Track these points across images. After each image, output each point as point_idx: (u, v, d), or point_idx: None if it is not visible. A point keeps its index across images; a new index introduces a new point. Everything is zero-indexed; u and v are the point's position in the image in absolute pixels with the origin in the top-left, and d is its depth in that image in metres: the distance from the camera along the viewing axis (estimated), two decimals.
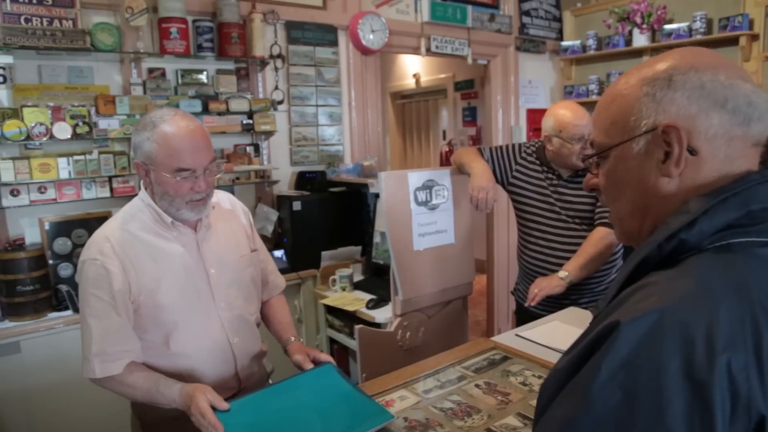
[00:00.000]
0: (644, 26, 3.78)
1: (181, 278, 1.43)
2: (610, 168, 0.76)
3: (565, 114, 2.04)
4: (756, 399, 0.55)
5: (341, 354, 2.80)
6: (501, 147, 2.33)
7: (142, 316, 1.40)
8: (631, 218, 0.76)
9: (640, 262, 0.68)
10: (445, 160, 6.11)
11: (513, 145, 2.32)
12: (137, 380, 1.35)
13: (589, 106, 3.56)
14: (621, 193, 0.76)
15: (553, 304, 2.09)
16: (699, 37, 3.51)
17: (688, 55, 0.71)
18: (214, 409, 1.24)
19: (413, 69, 6.38)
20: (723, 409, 0.54)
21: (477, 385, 1.50)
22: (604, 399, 0.58)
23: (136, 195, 2.58)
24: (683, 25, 3.59)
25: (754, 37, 3.38)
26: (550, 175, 2.18)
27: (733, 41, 3.41)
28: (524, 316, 2.25)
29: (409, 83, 6.52)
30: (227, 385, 1.52)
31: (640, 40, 3.84)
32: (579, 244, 2.06)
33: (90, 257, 1.37)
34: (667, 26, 3.69)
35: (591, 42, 4.16)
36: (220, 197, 1.65)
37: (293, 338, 1.62)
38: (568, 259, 2.06)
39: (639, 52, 3.91)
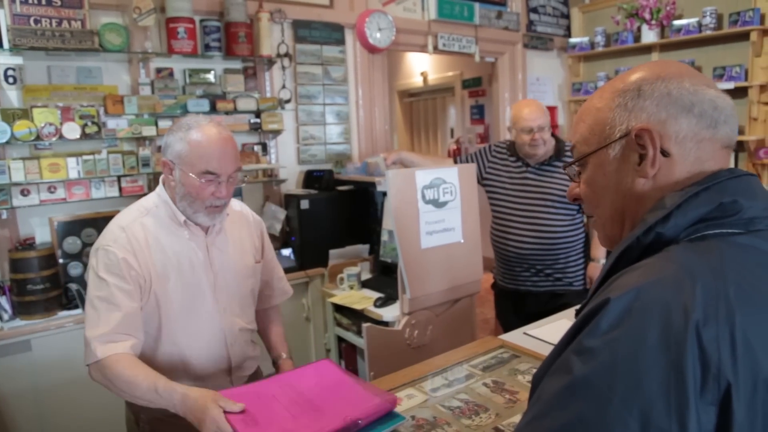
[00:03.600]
0: (653, 22, 3.75)
1: (187, 276, 1.45)
2: (589, 175, 0.82)
3: (519, 109, 2.37)
4: (725, 368, 0.57)
5: (349, 352, 2.81)
6: (475, 151, 2.66)
7: (145, 307, 1.42)
8: (611, 223, 0.81)
9: (620, 253, 0.72)
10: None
11: (485, 146, 2.64)
12: (138, 376, 1.28)
13: None
14: (601, 199, 0.81)
15: (516, 277, 2.47)
16: (709, 32, 3.47)
17: (656, 67, 0.76)
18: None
19: (421, 67, 6.36)
20: (695, 378, 0.57)
21: (485, 384, 1.49)
22: (586, 374, 0.61)
23: (144, 194, 2.63)
24: (693, 20, 3.56)
25: (766, 32, 3.33)
26: (519, 165, 2.45)
27: (744, 36, 3.37)
28: (497, 291, 2.70)
29: (417, 81, 6.51)
30: (218, 385, 1.50)
31: (649, 36, 3.80)
32: (545, 225, 2.36)
33: (104, 245, 1.38)
34: (677, 22, 3.65)
35: (599, 38, 4.13)
36: (233, 204, 1.65)
37: (285, 355, 1.68)
38: (532, 238, 2.36)
39: (648, 49, 3.88)
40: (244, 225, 1.64)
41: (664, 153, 0.73)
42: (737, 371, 0.57)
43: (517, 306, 2.50)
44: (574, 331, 0.67)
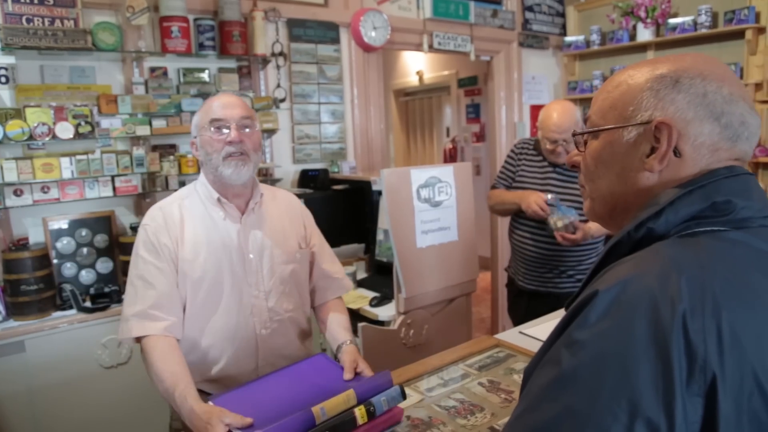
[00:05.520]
0: (648, 20, 3.75)
1: (218, 255, 1.47)
2: (597, 148, 0.79)
3: (548, 114, 2.24)
4: (711, 360, 0.57)
5: None
6: (503, 164, 2.56)
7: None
8: (603, 201, 0.80)
9: (611, 247, 0.72)
10: (448, 158, 6.09)
11: (510, 152, 2.55)
12: (165, 372, 1.30)
13: None
14: (601, 176, 0.79)
15: (539, 278, 2.39)
16: (704, 30, 3.48)
17: (701, 62, 0.73)
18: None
19: (416, 66, 6.36)
20: (680, 369, 0.57)
21: (480, 383, 1.49)
22: (575, 366, 0.61)
23: (139, 194, 2.63)
24: (688, 18, 3.56)
25: (761, 31, 3.34)
26: (545, 165, 2.37)
27: (739, 35, 3.38)
28: (513, 289, 2.57)
29: (412, 80, 6.50)
30: (243, 378, 1.47)
31: (645, 34, 3.80)
32: None
33: (143, 224, 1.48)
34: (672, 20, 3.65)
35: (595, 37, 4.13)
36: (280, 193, 1.71)
37: (346, 341, 1.53)
38: (555, 239, 2.23)
39: (643, 47, 3.88)
40: (288, 210, 1.67)
41: (677, 152, 0.71)
42: (723, 364, 0.57)
43: (535, 307, 2.37)
44: (564, 324, 0.66)
